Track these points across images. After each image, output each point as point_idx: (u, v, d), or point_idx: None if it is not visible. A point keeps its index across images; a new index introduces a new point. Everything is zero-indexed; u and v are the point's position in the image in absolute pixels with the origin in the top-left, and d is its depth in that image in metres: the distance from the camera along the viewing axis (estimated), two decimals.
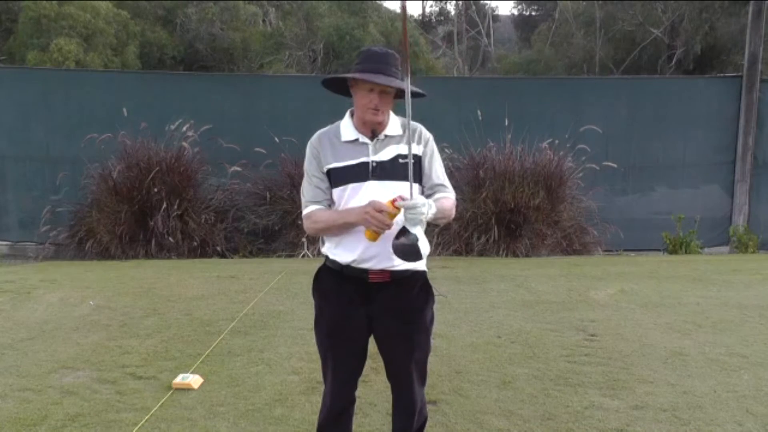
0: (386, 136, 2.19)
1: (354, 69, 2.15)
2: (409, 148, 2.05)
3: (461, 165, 8.13)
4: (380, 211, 1.96)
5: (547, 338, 4.32)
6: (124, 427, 2.99)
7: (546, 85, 10.47)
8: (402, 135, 2.21)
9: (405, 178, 2.14)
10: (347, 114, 2.24)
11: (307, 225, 2.22)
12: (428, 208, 2.01)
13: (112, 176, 7.81)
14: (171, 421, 3.05)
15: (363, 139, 2.18)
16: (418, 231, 1.99)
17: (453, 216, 2.27)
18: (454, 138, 8.00)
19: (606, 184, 8.86)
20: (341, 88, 2.25)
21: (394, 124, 2.23)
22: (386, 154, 2.17)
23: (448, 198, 2.21)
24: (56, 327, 4.56)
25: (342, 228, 2.13)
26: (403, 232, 1.99)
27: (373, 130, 2.18)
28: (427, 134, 2.25)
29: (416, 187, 2.18)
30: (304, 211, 2.22)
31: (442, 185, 2.23)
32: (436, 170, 2.24)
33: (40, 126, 8.74)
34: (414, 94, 2.21)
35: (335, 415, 2.30)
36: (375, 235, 2.03)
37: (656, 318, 4.82)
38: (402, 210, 1.99)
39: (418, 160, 2.20)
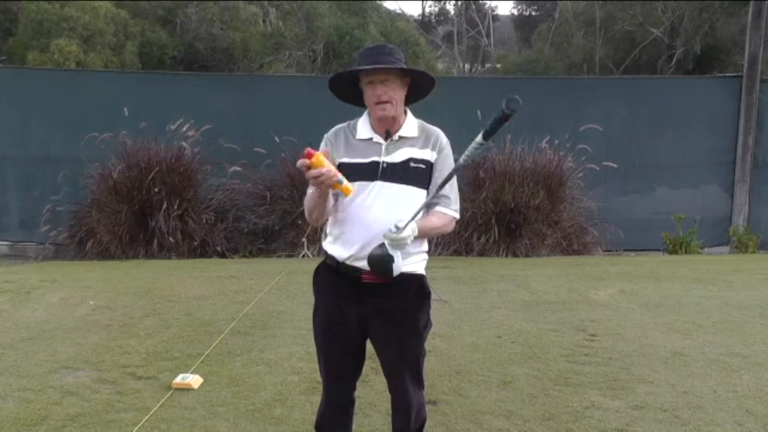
0: (400, 137, 2.18)
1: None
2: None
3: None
4: (308, 168, 1.90)
5: (547, 338, 4.32)
6: (124, 427, 2.99)
7: (546, 85, 10.45)
8: (418, 137, 2.19)
9: (414, 182, 2.14)
10: (366, 112, 2.24)
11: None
12: (410, 237, 2.00)
13: (113, 176, 7.81)
14: (171, 421, 3.06)
15: (377, 138, 2.17)
16: (397, 255, 2.00)
17: (447, 231, 2.24)
18: (454, 138, 7.97)
19: (606, 184, 8.84)
20: (354, 98, 2.24)
21: (410, 126, 2.21)
22: (398, 156, 2.15)
23: (440, 215, 2.18)
24: (56, 327, 4.56)
25: (315, 205, 2.11)
26: (383, 245, 2.00)
27: (387, 131, 2.17)
28: (444, 141, 2.23)
29: (423, 194, 2.16)
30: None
31: (444, 196, 2.19)
32: (443, 180, 2.21)
33: (40, 126, 8.74)
34: (423, 78, 2.18)
35: (331, 414, 2.30)
36: (347, 190, 2.01)
37: (656, 318, 4.82)
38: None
39: (429, 166, 2.18)
